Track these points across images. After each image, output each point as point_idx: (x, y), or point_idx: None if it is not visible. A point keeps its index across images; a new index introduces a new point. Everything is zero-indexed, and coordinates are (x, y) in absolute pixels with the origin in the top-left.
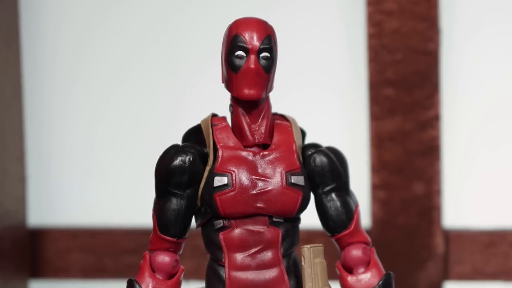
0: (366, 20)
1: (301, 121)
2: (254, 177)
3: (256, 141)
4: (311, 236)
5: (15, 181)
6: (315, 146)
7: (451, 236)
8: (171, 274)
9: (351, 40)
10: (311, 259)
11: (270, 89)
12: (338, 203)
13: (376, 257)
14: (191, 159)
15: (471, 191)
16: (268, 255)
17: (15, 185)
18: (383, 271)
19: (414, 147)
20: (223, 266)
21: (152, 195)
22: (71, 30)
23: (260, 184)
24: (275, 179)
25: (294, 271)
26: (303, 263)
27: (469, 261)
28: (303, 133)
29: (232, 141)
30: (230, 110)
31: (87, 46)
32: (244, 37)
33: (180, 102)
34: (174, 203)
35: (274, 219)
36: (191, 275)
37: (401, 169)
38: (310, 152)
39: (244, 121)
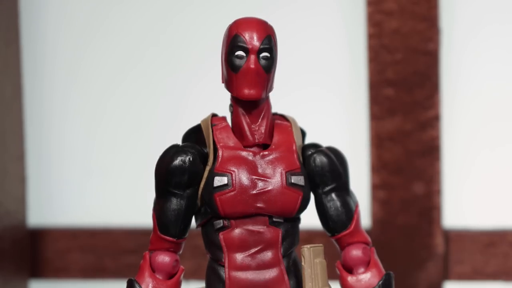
0: (366, 20)
1: (301, 121)
2: (254, 177)
3: (256, 141)
4: (311, 236)
5: (15, 181)
6: (315, 146)
7: (451, 236)
8: (171, 274)
9: (351, 40)
10: (311, 259)
11: (270, 89)
12: (338, 203)
13: (376, 257)
14: (191, 159)
15: (471, 191)
16: (268, 255)
17: (15, 185)
18: (383, 271)
19: (414, 147)
20: (223, 266)
21: (152, 195)
22: (71, 30)
23: (260, 184)
24: (275, 179)
25: (294, 271)
26: (303, 263)
27: (469, 261)
28: (303, 133)
29: (232, 141)
30: (230, 110)
31: (87, 46)
32: (244, 37)
33: (180, 102)
34: (174, 203)
35: (274, 219)
36: (191, 275)
37: (401, 169)
38: (310, 152)
39: (244, 121)
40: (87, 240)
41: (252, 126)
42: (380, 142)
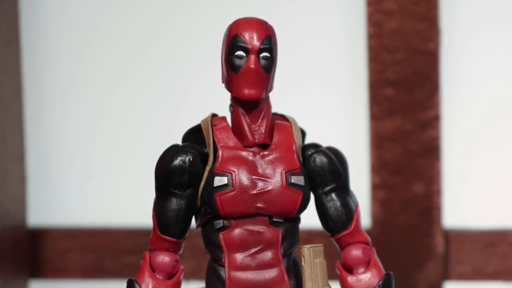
0: (366, 20)
1: (301, 121)
2: (254, 177)
3: (256, 141)
4: (311, 236)
5: (15, 181)
6: (315, 146)
7: (451, 236)
8: (171, 274)
9: (351, 40)
10: (311, 259)
11: (270, 89)
12: (338, 203)
13: (376, 257)
14: (191, 159)
15: (471, 191)
16: (268, 255)
17: (15, 185)
18: (383, 271)
19: (414, 147)
20: (223, 266)
21: (152, 195)
22: (71, 30)
23: (260, 184)
24: (275, 179)
25: (294, 271)
26: (303, 263)
27: (469, 261)
28: (303, 133)
29: (232, 141)
30: (230, 110)
31: (87, 46)
32: (244, 37)
33: (180, 102)
34: (174, 203)
35: (274, 219)
36: (191, 275)
37: (401, 169)
38: (310, 152)
39: (244, 121)
40: (87, 240)
41: (252, 126)
42: (380, 142)
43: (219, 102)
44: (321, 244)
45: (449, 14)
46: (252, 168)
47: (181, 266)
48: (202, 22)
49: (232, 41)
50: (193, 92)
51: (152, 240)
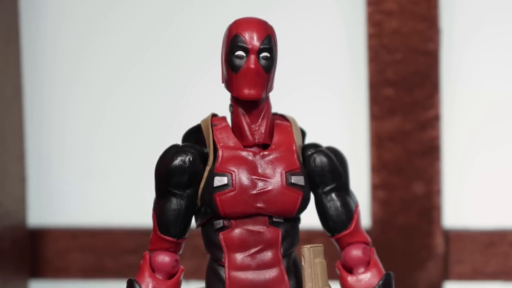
0: (366, 20)
1: (301, 121)
2: (254, 177)
3: (256, 141)
4: (311, 236)
5: (15, 181)
6: (315, 146)
7: (451, 236)
8: (171, 274)
9: (351, 40)
10: (311, 259)
11: (270, 89)
12: (338, 203)
13: (376, 257)
14: (191, 159)
15: (471, 191)
16: (268, 255)
17: (15, 185)
18: (383, 271)
19: (414, 147)
20: (223, 266)
21: (152, 195)
22: (71, 30)
23: (260, 184)
24: (275, 179)
25: (294, 271)
26: (303, 263)
27: (469, 261)
28: (303, 133)
29: (232, 141)
30: (230, 110)
31: (87, 46)
32: (244, 37)
33: (180, 102)
34: (174, 203)
35: (274, 219)
36: (191, 275)
37: (401, 169)
38: (310, 152)
39: (244, 121)
40: (87, 240)
41: (252, 126)
42: (380, 142)
43: (219, 102)
44: (321, 244)
45: (449, 14)
46: (252, 168)
47: (181, 266)
48: (202, 22)
49: (232, 41)
50: (193, 92)
51: (152, 240)
